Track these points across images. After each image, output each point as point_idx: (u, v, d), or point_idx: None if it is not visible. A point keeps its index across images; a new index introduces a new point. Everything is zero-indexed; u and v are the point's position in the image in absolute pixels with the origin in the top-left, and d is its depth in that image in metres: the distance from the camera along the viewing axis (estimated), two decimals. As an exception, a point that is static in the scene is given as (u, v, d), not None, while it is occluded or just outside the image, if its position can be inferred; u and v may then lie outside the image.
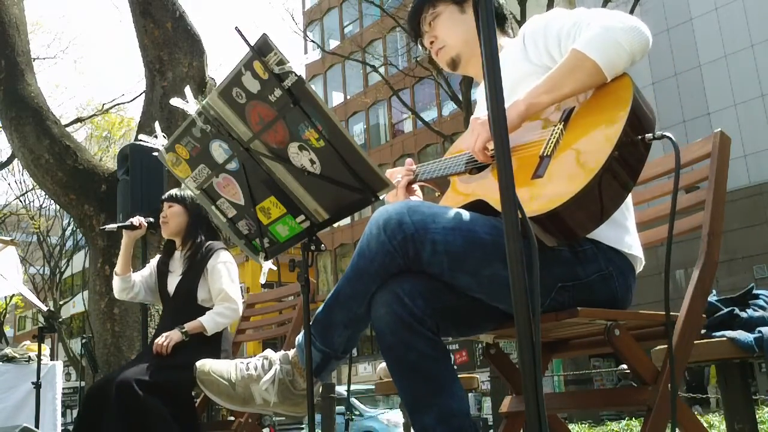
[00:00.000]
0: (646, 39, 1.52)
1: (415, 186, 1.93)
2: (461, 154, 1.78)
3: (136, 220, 3.32)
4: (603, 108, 1.51)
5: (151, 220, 3.37)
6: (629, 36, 1.51)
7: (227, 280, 3.14)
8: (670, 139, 1.44)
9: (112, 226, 3.40)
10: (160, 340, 3.03)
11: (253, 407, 1.66)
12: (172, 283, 3.27)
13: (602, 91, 1.54)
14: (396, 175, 1.91)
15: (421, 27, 1.96)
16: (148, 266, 3.47)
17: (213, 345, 3.09)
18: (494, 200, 1.52)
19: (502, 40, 1.91)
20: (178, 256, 3.33)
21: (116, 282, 3.31)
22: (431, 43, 1.95)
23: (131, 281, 3.31)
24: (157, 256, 3.47)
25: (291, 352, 1.70)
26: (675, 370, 1.48)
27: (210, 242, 3.27)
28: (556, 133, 1.53)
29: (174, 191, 3.34)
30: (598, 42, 1.51)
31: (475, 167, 1.72)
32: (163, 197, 3.38)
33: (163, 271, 3.34)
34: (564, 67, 1.55)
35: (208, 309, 3.14)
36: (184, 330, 3.04)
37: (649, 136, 1.43)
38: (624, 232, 1.66)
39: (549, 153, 1.50)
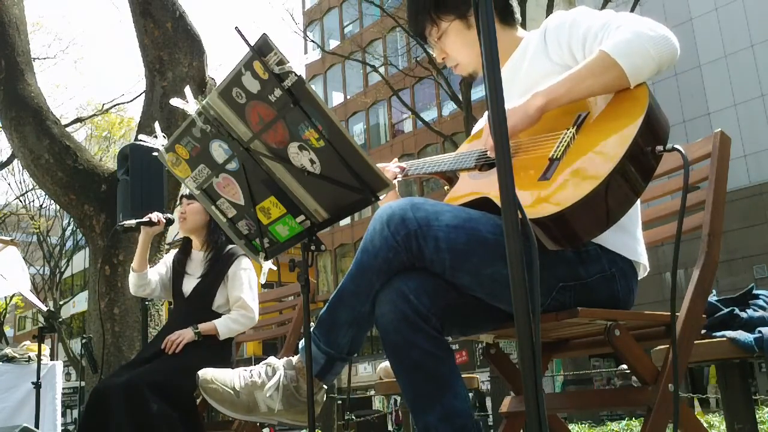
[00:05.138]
0: (675, 49, 1.50)
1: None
2: (473, 150, 1.78)
3: (155, 216, 3.27)
4: (617, 115, 1.50)
5: (170, 216, 3.35)
6: (659, 45, 1.48)
7: (246, 288, 3.12)
8: (680, 152, 1.43)
9: (131, 222, 3.32)
10: (173, 336, 2.99)
11: (258, 415, 1.63)
12: (188, 284, 3.23)
13: (618, 97, 1.53)
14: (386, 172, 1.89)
15: (426, 36, 1.89)
16: (163, 263, 3.43)
17: (225, 353, 3.08)
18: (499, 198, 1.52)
19: (519, 33, 1.86)
20: (196, 256, 3.30)
21: (132, 278, 3.26)
22: (443, 58, 1.89)
23: (147, 278, 3.27)
24: (172, 252, 3.44)
25: (294, 358, 1.68)
26: (678, 369, 1.48)
27: (231, 246, 3.24)
28: (567, 136, 1.52)
29: None
30: (628, 48, 1.49)
31: (485, 164, 1.71)
32: (183, 194, 3.36)
33: (179, 271, 3.30)
34: (589, 67, 1.53)
35: (222, 315, 3.12)
36: (197, 330, 3.01)
37: (659, 148, 1.42)
38: (632, 239, 1.65)
39: (558, 156, 1.50)
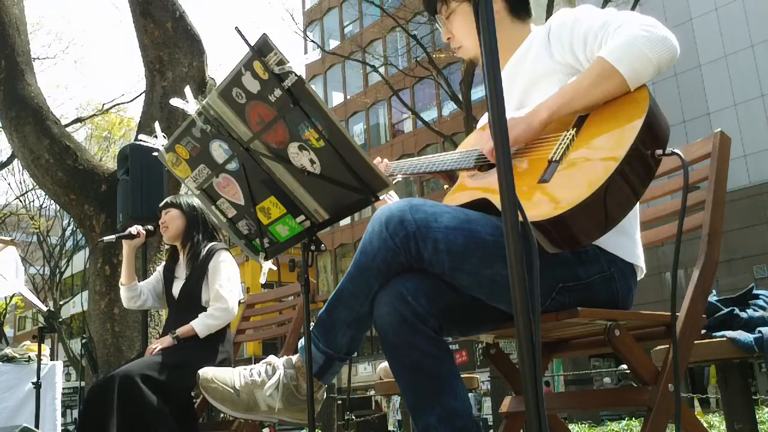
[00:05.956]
0: (674, 50, 1.50)
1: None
2: (472, 150, 1.77)
3: (134, 229, 3.32)
4: (617, 117, 1.50)
5: (150, 227, 3.37)
6: (656, 47, 1.48)
7: (224, 280, 3.14)
8: (680, 156, 1.43)
9: (111, 237, 3.38)
10: (152, 346, 3.05)
11: (258, 414, 1.64)
12: (177, 287, 3.27)
13: (618, 99, 1.53)
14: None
15: (437, 14, 1.90)
16: (156, 273, 3.49)
17: (212, 344, 3.10)
18: (498, 200, 1.52)
19: (527, 28, 1.85)
20: (182, 260, 3.34)
21: (123, 292, 3.32)
22: (448, 38, 1.91)
23: (138, 289, 3.33)
24: (164, 263, 3.48)
25: (294, 357, 1.69)
26: (678, 369, 1.48)
27: (212, 243, 3.27)
28: (567, 138, 1.52)
29: (169, 198, 3.37)
30: (625, 53, 1.49)
31: (485, 164, 1.70)
32: (160, 205, 3.40)
33: (169, 277, 3.35)
34: (590, 76, 1.53)
35: None
36: (175, 335, 3.05)
37: (659, 152, 1.42)
38: (630, 241, 1.65)
39: (558, 158, 1.49)
